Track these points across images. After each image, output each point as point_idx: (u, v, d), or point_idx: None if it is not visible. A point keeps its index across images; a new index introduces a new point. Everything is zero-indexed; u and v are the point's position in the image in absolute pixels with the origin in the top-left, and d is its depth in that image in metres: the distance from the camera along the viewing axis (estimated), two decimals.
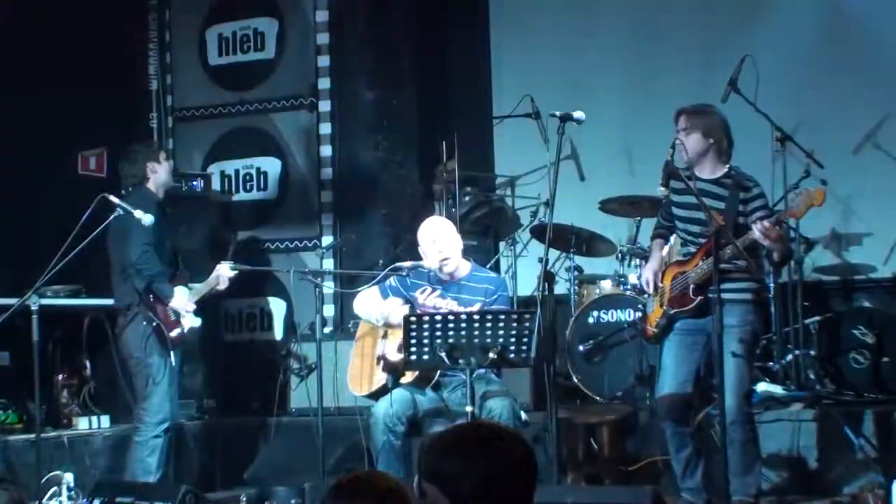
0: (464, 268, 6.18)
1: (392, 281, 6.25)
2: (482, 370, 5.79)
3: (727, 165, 5.68)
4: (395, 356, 5.99)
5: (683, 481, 5.72)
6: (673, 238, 5.91)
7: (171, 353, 6.43)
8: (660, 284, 5.77)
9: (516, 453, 2.87)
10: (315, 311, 6.52)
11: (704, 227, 5.54)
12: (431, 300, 6.12)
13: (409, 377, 5.96)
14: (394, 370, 6.03)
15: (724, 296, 5.42)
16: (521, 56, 8.87)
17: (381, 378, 6.08)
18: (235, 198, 9.15)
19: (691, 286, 5.59)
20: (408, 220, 8.69)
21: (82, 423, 7.35)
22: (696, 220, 5.63)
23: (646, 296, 6.12)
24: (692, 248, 5.69)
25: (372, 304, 6.23)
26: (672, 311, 5.68)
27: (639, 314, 7.12)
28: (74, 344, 7.57)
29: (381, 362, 6.10)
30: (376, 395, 6.06)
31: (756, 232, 5.35)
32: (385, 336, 6.15)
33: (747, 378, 5.67)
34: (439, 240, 6.09)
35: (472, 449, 2.86)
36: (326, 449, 6.43)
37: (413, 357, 5.53)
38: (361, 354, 6.26)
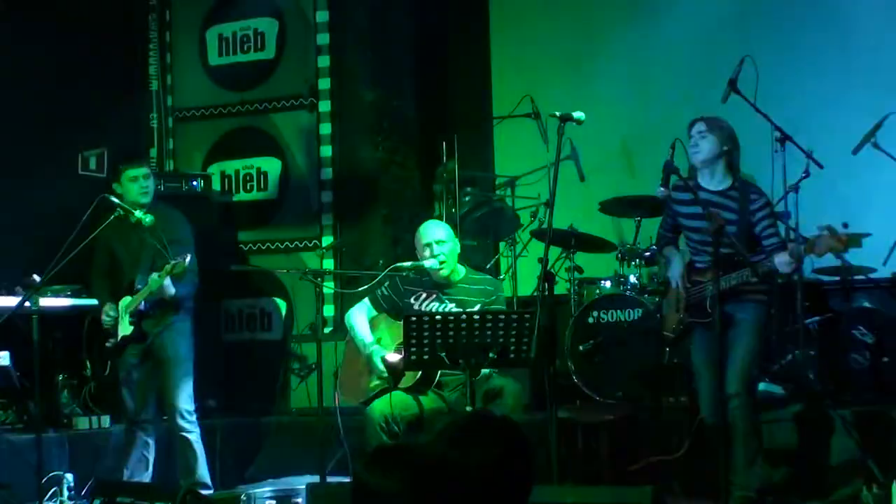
0: (459, 270, 6.18)
1: (384, 289, 6.24)
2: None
3: (734, 178, 5.69)
4: (394, 357, 6.00)
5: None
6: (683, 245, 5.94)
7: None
8: (688, 285, 5.77)
9: (513, 443, 2.96)
10: (315, 311, 6.52)
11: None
12: (428, 306, 6.11)
13: (409, 381, 5.95)
14: (394, 372, 6.02)
15: (739, 295, 5.50)
16: (521, 56, 8.87)
17: (375, 385, 6.08)
18: (235, 198, 9.16)
19: (707, 300, 5.61)
20: (408, 220, 8.69)
21: (82, 423, 7.34)
22: (704, 230, 5.62)
23: (645, 295, 6.10)
24: (707, 257, 5.68)
25: (362, 335, 6.21)
26: (689, 320, 5.74)
27: (639, 313, 7.14)
28: (74, 344, 7.56)
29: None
30: (370, 402, 6.05)
31: (777, 263, 5.41)
32: (378, 342, 6.15)
33: (754, 369, 5.73)
34: (441, 243, 6.08)
35: (472, 438, 2.95)
36: (326, 449, 6.43)
37: (413, 357, 5.53)
38: (354, 362, 6.25)
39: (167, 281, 6.26)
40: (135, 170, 6.50)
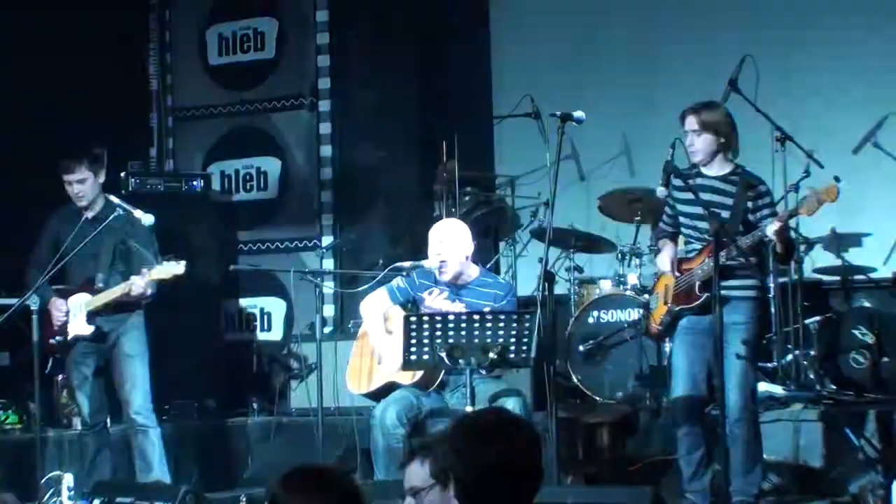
0: (472, 272, 6.16)
1: (399, 282, 6.23)
2: (485, 371, 5.81)
3: (734, 162, 5.67)
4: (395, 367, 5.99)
5: (691, 483, 5.70)
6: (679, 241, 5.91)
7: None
8: (677, 274, 5.73)
9: (525, 440, 3.00)
10: (315, 311, 6.52)
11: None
12: (439, 302, 6.10)
13: (410, 379, 5.95)
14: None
15: (729, 293, 5.45)
16: (521, 56, 8.87)
17: (380, 378, 6.07)
18: (235, 198, 9.16)
19: (697, 283, 5.58)
20: (408, 220, 8.68)
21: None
22: (704, 217, 5.59)
23: (645, 296, 6.08)
24: (698, 246, 5.67)
25: (379, 309, 6.21)
26: (677, 309, 5.68)
27: (639, 313, 7.13)
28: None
29: (382, 363, 6.09)
30: (375, 394, 6.05)
31: (769, 231, 5.36)
32: (389, 333, 6.14)
33: (751, 376, 5.66)
34: (444, 242, 6.07)
35: (485, 435, 2.99)
36: (326, 449, 6.43)
37: (413, 357, 5.52)
38: (361, 354, 6.25)
39: (153, 283, 6.19)
40: (65, 174, 6.39)
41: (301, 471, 2.93)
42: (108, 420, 6.60)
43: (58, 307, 6.38)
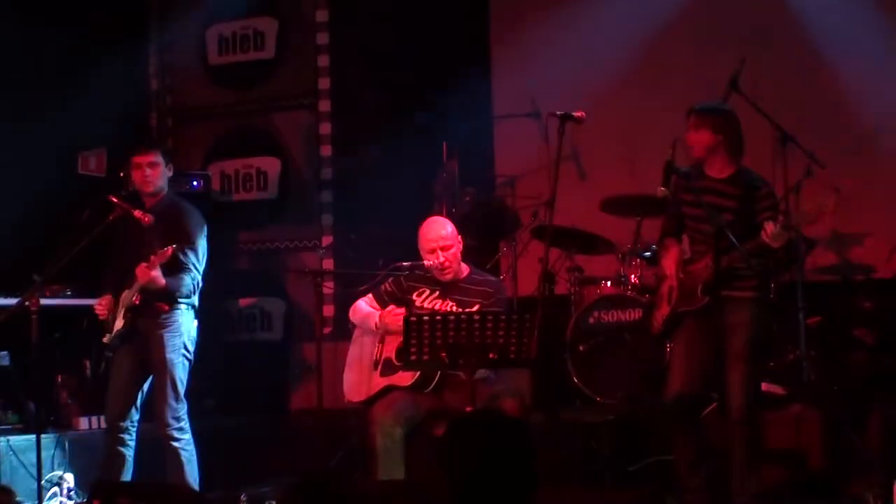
0: (462, 269, 6.17)
1: (388, 285, 6.23)
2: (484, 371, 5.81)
3: (737, 164, 5.67)
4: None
5: (687, 480, 5.71)
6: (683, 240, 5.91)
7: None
8: (680, 276, 5.73)
9: (514, 443, 3.02)
10: (315, 311, 6.52)
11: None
12: (430, 302, 6.10)
13: (409, 380, 5.95)
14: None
15: (730, 293, 5.45)
16: (521, 56, 8.87)
17: (378, 383, 6.07)
18: (235, 198, 9.16)
19: (700, 285, 5.58)
20: (408, 220, 8.67)
21: (82, 423, 7.34)
22: (707, 219, 5.59)
23: (647, 296, 6.08)
24: (702, 247, 5.67)
25: (367, 312, 6.21)
26: (680, 310, 5.68)
27: (639, 313, 7.14)
28: (74, 344, 7.56)
29: (381, 367, 6.09)
30: (375, 400, 6.05)
31: (765, 234, 5.36)
32: (381, 341, 6.14)
33: (753, 376, 5.67)
34: (443, 248, 6.05)
35: (471, 439, 3.00)
36: (326, 449, 6.43)
37: (413, 358, 5.53)
38: (358, 360, 6.25)
39: (157, 272, 6.11)
40: (139, 156, 6.36)
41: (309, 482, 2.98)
42: (133, 423, 6.48)
43: (98, 302, 6.34)
